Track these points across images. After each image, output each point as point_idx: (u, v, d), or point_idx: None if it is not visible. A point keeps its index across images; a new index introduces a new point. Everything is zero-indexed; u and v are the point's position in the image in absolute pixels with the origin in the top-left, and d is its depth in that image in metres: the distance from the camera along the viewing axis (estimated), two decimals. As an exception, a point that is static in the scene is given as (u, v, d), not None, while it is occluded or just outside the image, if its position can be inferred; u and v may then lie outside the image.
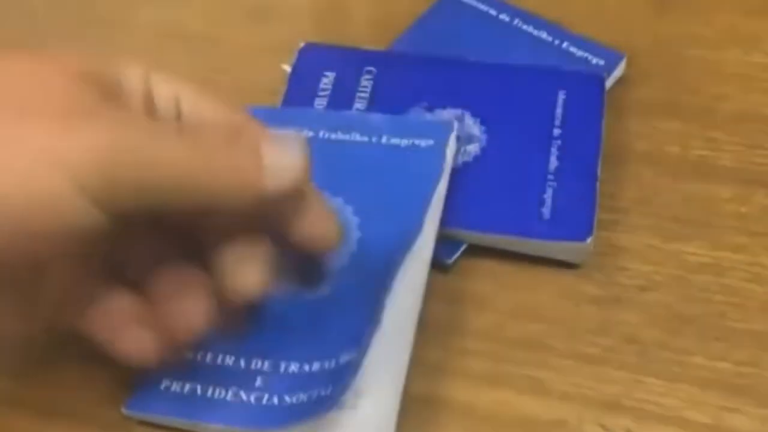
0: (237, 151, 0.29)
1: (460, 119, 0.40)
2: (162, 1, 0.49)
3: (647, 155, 0.41)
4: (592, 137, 0.39)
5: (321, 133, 0.39)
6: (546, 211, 0.37)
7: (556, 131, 0.40)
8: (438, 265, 0.37)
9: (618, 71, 0.43)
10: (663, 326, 0.36)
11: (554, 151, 0.39)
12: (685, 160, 0.41)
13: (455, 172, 0.38)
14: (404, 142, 0.38)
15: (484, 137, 0.40)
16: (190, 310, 0.32)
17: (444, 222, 0.37)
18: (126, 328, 0.32)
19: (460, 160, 0.39)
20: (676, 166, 0.41)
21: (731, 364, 0.35)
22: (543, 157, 0.39)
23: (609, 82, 0.43)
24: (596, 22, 0.45)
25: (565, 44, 0.44)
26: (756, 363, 0.35)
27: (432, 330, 0.36)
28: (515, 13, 0.45)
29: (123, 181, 0.27)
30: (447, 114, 0.41)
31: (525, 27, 0.45)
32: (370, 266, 0.35)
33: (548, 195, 0.38)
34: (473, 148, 0.40)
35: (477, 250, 0.38)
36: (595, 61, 0.43)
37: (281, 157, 0.30)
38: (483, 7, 0.45)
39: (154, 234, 0.32)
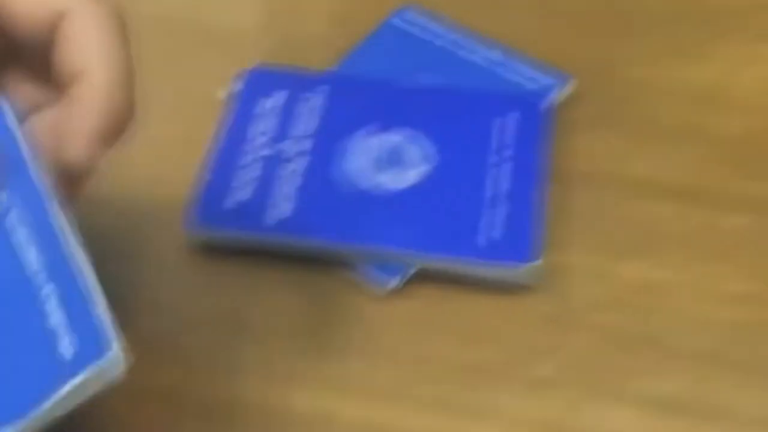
0: None
1: (411, 141, 0.41)
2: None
3: (592, 175, 0.42)
4: (532, 160, 0.40)
5: None
6: (482, 236, 0.38)
7: (494, 157, 0.40)
8: (386, 289, 0.38)
9: (565, 91, 0.44)
10: (609, 347, 0.36)
11: (493, 174, 0.40)
12: (628, 178, 0.41)
13: (402, 194, 0.39)
14: None
15: (433, 159, 0.40)
16: None
17: (389, 242, 0.38)
18: None
19: (409, 181, 0.40)
20: (618, 184, 0.41)
21: (676, 384, 0.35)
22: (483, 181, 0.40)
23: (556, 102, 0.43)
24: (541, 42, 0.45)
25: (512, 66, 0.44)
26: (700, 381, 0.35)
27: (380, 355, 0.36)
28: (462, 35, 0.45)
29: None
30: (395, 136, 0.41)
31: (472, 49, 0.45)
32: None
33: (486, 220, 0.38)
34: (422, 170, 0.40)
35: (425, 276, 0.38)
36: (542, 82, 0.44)
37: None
38: (430, 29, 0.46)
39: None
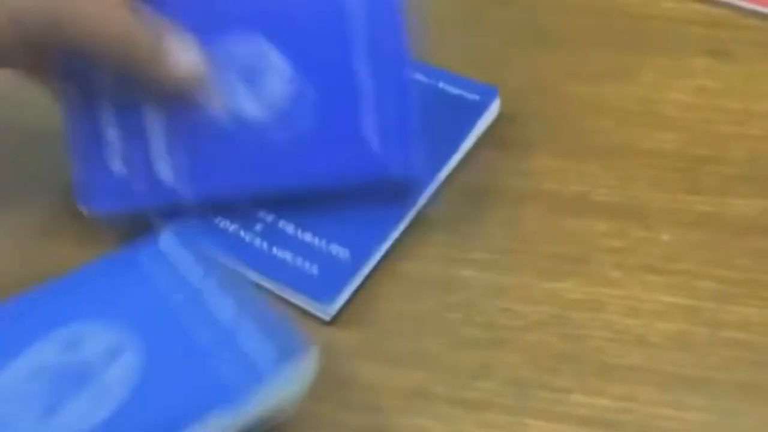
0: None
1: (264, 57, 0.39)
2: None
3: (526, 193, 0.42)
4: (396, 39, 0.38)
5: None
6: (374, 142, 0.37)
7: (356, 33, 0.38)
8: (319, 317, 0.37)
9: (494, 107, 0.44)
10: (542, 366, 0.36)
11: (361, 58, 0.38)
12: (562, 196, 0.42)
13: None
14: None
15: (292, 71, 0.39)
16: None
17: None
18: None
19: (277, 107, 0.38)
20: (553, 202, 0.41)
21: (609, 399, 0.35)
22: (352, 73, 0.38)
23: (486, 120, 0.43)
24: (474, 61, 0.45)
25: (440, 84, 0.44)
26: (633, 397, 0.35)
27: (318, 383, 0.36)
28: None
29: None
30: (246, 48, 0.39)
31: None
32: None
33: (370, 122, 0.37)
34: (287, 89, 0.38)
35: (359, 302, 0.38)
36: (470, 97, 0.44)
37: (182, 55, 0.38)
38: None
39: None
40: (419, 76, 0.44)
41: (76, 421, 0.30)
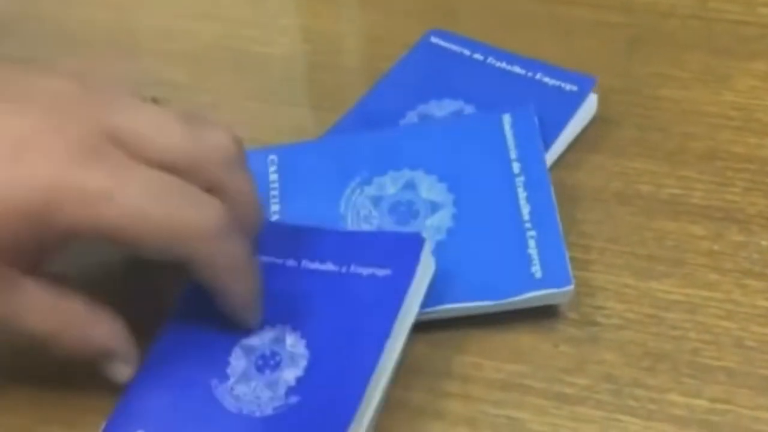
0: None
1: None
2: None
3: (620, 194, 0.42)
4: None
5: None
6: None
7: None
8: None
9: (592, 99, 0.44)
10: (638, 364, 0.36)
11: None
12: (658, 198, 0.42)
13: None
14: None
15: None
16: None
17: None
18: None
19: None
20: (648, 204, 0.41)
21: (706, 401, 0.35)
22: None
23: (584, 112, 0.44)
24: (569, 63, 0.45)
25: (537, 75, 0.45)
26: (730, 400, 0.35)
27: (411, 372, 0.36)
28: (488, 51, 0.46)
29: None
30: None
31: (498, 63, 0.45)
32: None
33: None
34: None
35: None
36: (567, 87, 0.44)
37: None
38: (457, 49, 0.46)
39: None
40: (517, 69, 0.45)
41: None
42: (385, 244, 0.37)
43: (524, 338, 0.37)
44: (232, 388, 0.34)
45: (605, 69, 0.46)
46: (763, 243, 0.40)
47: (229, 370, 0.35)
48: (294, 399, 0.34)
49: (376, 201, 0.40)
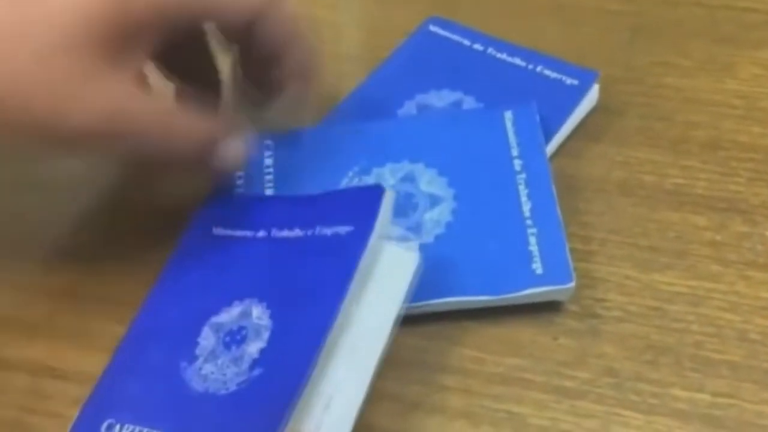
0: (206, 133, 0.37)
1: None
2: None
3: (622, 184, 0.41)
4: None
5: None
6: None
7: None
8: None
9: (593, 92, 0.43)
10: (640, 358, 0.36)
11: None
12: (661, 188, 0.41)
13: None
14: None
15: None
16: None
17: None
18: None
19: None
20: (651, 194, 0.41)
21: (709, 395, 0.35)
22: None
23: (586, 104, 0.43)
24: (571, 52, 0.45)
25: (538, 68, 0.44)
26: (733, 394, 0.35)
27: (409, 366, 0.36)
28: (489, 42, 0.45)
29: None
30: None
31: (499, 55, 0.45)
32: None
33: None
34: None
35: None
36: (569, 81, 0.43)
37: (231, 152, 0.37)
38: (457, 38, 0.46)
39: None
40: (518, 61, 0.44)
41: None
42: (347, 201, 0.36)
43: (524, 331, 0.37)
44: (200, 368, 0.34)
45: (607, 57, 0.45)
46: (767, 234, 0.39)
47: (197, 351, 0.34)
48: (256, 372, 0.33)
49: None
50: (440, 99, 0.43)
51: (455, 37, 0.46)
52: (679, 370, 0.35)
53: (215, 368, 0.34)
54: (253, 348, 0.34)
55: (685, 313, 0.37)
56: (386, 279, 0.34)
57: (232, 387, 0.33)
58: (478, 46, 0.45)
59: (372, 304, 0.34)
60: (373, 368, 0.33)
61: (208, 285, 0.36)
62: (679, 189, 0.41)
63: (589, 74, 0.43)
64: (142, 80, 0.37)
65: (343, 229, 0.35)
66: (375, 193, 0.35)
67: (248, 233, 0.37)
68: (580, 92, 0.43)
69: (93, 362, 0.35)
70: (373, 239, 0.34)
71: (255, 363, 0.33)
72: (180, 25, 0.35)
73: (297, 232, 0.36)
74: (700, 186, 0.41)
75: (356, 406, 0.32)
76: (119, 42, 0.34)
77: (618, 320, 0.37)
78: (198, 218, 0.39)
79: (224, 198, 0.39)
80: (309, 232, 0.36)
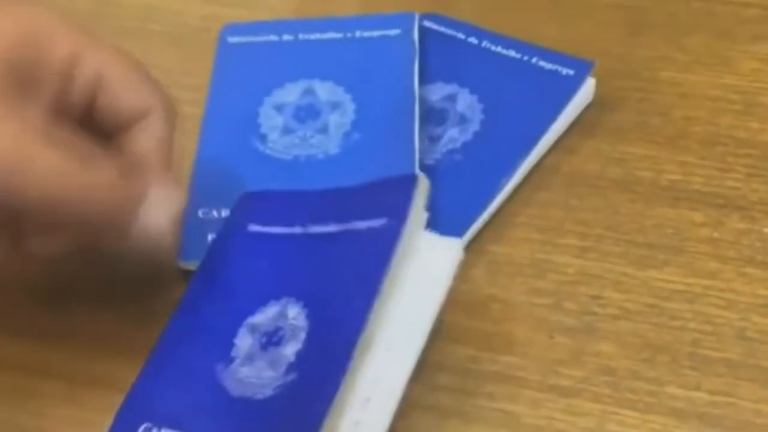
0: (120, 190, 0.33)
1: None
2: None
3: (619, 180, 0.41)
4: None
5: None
6: None
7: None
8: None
9: (589, 84, 0.43)
10: (636, 356, 0.35)
11: None
12: (657, 184, 0.40)
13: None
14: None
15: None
16: None
17: None
18: None
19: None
20: (647, 191, 0.40)
21: (706, 393, 0.34)
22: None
23: (581, 96, 0.42)
24: (568, 46, 0.44)
25: (533, 59, 0.43)
26: (731, 392, 0.34)
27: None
28: (483, 35, 0.45)
29: None
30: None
31: (493, 47, 0.44)
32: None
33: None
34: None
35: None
36: (564, 71, 0.43)
37: (155, 217, 0.34)
38: (450, 31, 0.45)
39: None
40: (513, 53, 0.44)
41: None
42: (381, 192, 0.35)
43: (518, 329, 0.36)
44: (236, 371, 0.33)
45: (604, 51, 0.45)
46: (765, 230, 0.38)
47: (233, 353, 0.34)
48: (291, 377, 0.32)
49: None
50: (434, 92, 0.43)
51: (449, 32, 0.45)
52: (676, 369, 0.35)
53: (252, 372, 0.33)
54: (290, 350, 0.33)
55: (682, 310, 0.36)
56: (425, 271, 0.33)
57: (269, 392, 0.32)
58: (472, 40, 0.45)
59: (410, 299, 0.33)
60: (411, 366, 0.32)
61: (243, 284, 0.36)
62: (676, 185, 0.40)
63: (584, 64, 0.43)
64: (45, 129, 0.32)
65: (377, 222, 0.34)
66: (408, 181, 0.34)
67: (284, 230, 0.36)
68: (576, 82, 0.42)
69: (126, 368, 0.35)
70: (408, 229, 0.33)
71: (291, 367, 0.32)
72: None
73: (332, 227, 0.35)
74: (697, 182, 0.40)
75: (393, 406, 0.31)
76: (15, 87, 0.31)
77: (614, 318, 0.36)
78: (232, 215, 0.38)
79: (259, 194, 0.38)
80: (344, 227, 0.35)
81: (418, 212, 0.34)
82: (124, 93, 0.34)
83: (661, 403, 0.34)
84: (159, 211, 0.34)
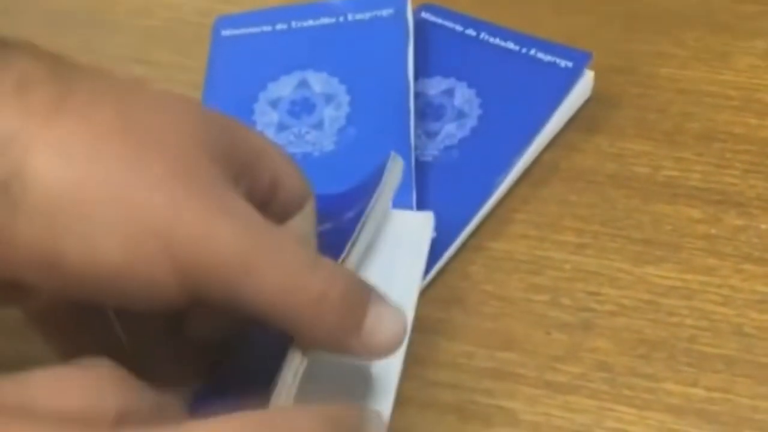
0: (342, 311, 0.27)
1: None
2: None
3: (616, 176, 0.40)
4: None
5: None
6: None
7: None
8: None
9: (588, 77, 0.43)
10: (633, 352, 0.35)
11: None
12: (655, 181, 0.40)
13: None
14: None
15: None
16: None
17: None
18: None
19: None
20: (644, 187, 0.40)
21: (703, 390, 0.34)
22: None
23: (579, 95, 0.42)
24: (566, 41, 0.44)
25: (532, 51, 0.43)
26: (728, 388, 0.34)
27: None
28: (482, 27, 0.45)
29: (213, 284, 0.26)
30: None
31: (491, 39, 0.44)
32: None
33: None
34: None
35: (444, 280, 0.37)
36: (563, 63, 0.43)
37: (381, 332, 0.28)
38: (448, 23, 0.45)
39: None
40: (511, 45, 0.44)
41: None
42: (365, 182, 0.35)
43: (516, 325, 0.36)
44: None
45: (601, 47, 0.45)
46: (763, 227, 0.38)
47: None
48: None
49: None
50: (432, 86, 0.43)
51: (447, 24, 0.45)
52: (673, 365, 0.35)
53: None
54: None
55: (679, 306, 0.36)
56: (403, 249, 0.34)
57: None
58: (470, 32, 0.45)
59: (390, 274, 0.32)
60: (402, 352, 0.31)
61: None
62: (673, 181, 0.40)
63: (582, 55, 0.43)
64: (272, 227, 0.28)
65: (360, 206, 0.33)
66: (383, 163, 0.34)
67: None
68: (574, 73, 0.42)
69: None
70: (381, 192, 0.33)
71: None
72: None
73: (328, 227, 0.34)
74: (694, 178, 0.40)
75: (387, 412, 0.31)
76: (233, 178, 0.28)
77: (611, 314, 0.36)
78: None
79: None
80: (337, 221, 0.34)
81: (392, 184, 0.34)
82: (293, 185, 0.31)
83: (658, 400, 0.34)
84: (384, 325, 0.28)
